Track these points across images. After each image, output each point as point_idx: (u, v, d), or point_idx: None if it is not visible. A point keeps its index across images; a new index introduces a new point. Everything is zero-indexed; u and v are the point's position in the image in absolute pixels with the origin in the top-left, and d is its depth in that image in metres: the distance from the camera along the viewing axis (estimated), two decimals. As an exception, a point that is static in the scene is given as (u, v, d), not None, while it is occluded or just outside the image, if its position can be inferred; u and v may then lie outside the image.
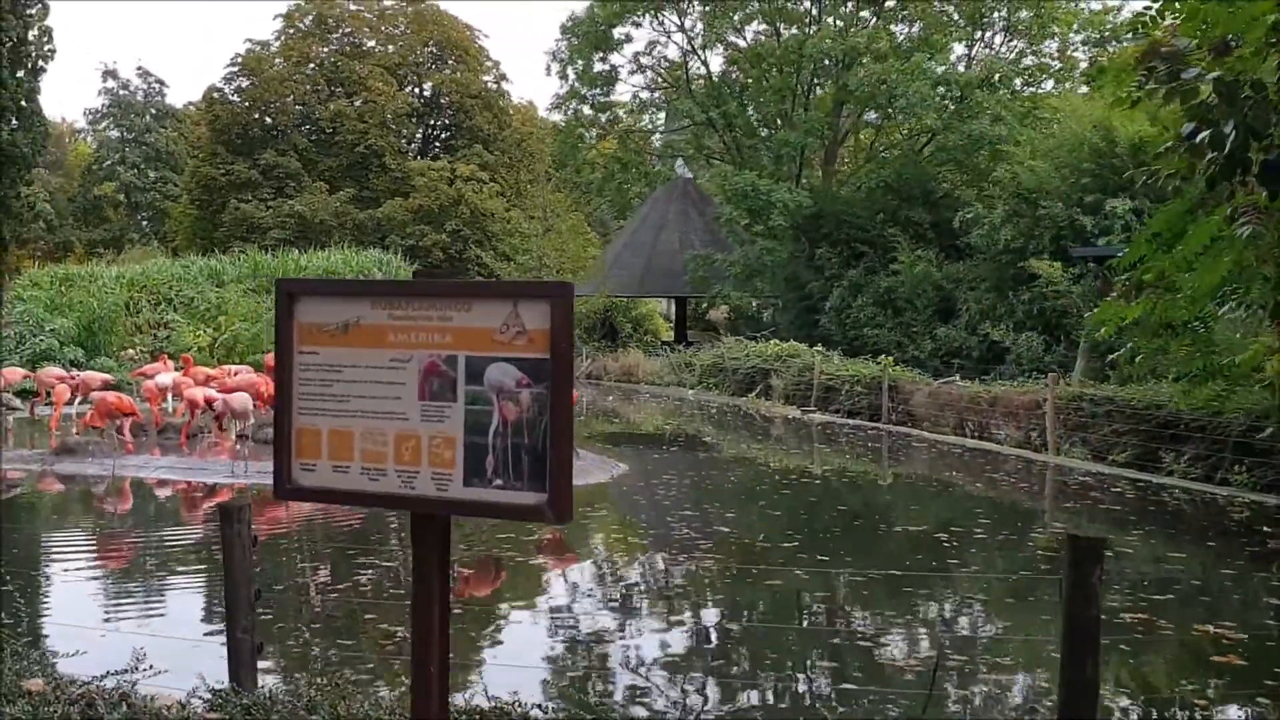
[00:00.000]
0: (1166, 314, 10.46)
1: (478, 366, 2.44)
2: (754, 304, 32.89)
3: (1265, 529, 10.94)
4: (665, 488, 13.09)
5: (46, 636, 6.65)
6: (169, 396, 17.95)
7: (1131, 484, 13.34)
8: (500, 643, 7.23)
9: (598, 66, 35.75)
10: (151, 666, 4.37)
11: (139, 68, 75.63)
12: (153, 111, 61.02)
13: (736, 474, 14.82)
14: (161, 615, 7.68)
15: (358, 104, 49.40)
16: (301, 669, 6.18)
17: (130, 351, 23.42)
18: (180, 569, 9.31)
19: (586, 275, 35.04)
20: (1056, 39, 33.60)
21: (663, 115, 39.31)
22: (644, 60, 36.24)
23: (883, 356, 22.25)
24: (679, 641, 7.20)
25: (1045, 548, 10.15)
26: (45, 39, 43.17)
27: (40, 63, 43.03)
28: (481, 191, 47.15)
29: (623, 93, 37.18)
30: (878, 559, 9.45)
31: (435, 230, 46.34)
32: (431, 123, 53.26)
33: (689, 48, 35.46)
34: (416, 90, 52.19)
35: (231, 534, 4.42)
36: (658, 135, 41.31)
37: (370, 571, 8.97)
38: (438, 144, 52.94)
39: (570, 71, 35.74)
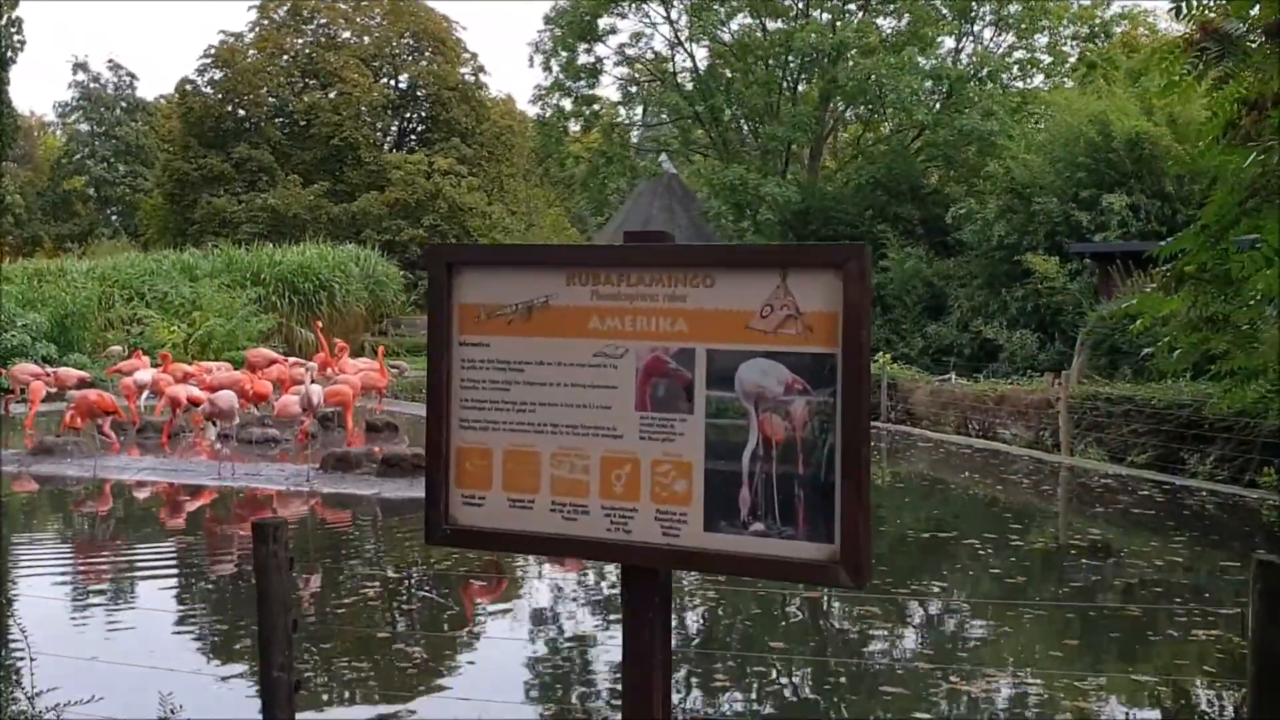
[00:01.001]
0: (1209, 308, 10.00)
1: (726, 364, 1.84)
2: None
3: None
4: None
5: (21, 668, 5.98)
6: (145, 394, 17.19)
7: (1157, 486, 12.87)
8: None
9: (582, 58, 35.08)
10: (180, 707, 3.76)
11: (110, 60, 74.53)
12: (123, 105, 59.90)
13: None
14: (165, 642, 7.02)
15: (332, 96, 48.47)
16: (328, 699, 5.57)
17: (116, 348, 22.54)
18: (177, 585, 8.65)
19: (568, 270, 34.30)
20: (1047, 33, 33.25)
21: (648, 108, 38.64)
22: (629, 52, 35.59)
23: (879, 354, 21.74)
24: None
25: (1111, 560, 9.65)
26: (14, 30, 42.03)
27: (9, 54, 41.90)
28: (460, 185, 46.37)
29: (607, 85, 36.50)
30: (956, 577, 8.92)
31: (412, 225, 45.50)
32: (408, 115, 52.39)
33: (675, 40, 34.87)
34: (392, 82, 51.31)
35: (266, 555, 3.80)
36: (637, 130, 40.70)
37: (376, 583, 8.36)
38: (414, 137, 52.09)
39: (554, 63, 35.04)
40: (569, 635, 7.23)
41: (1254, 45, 8.76)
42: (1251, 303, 9.80)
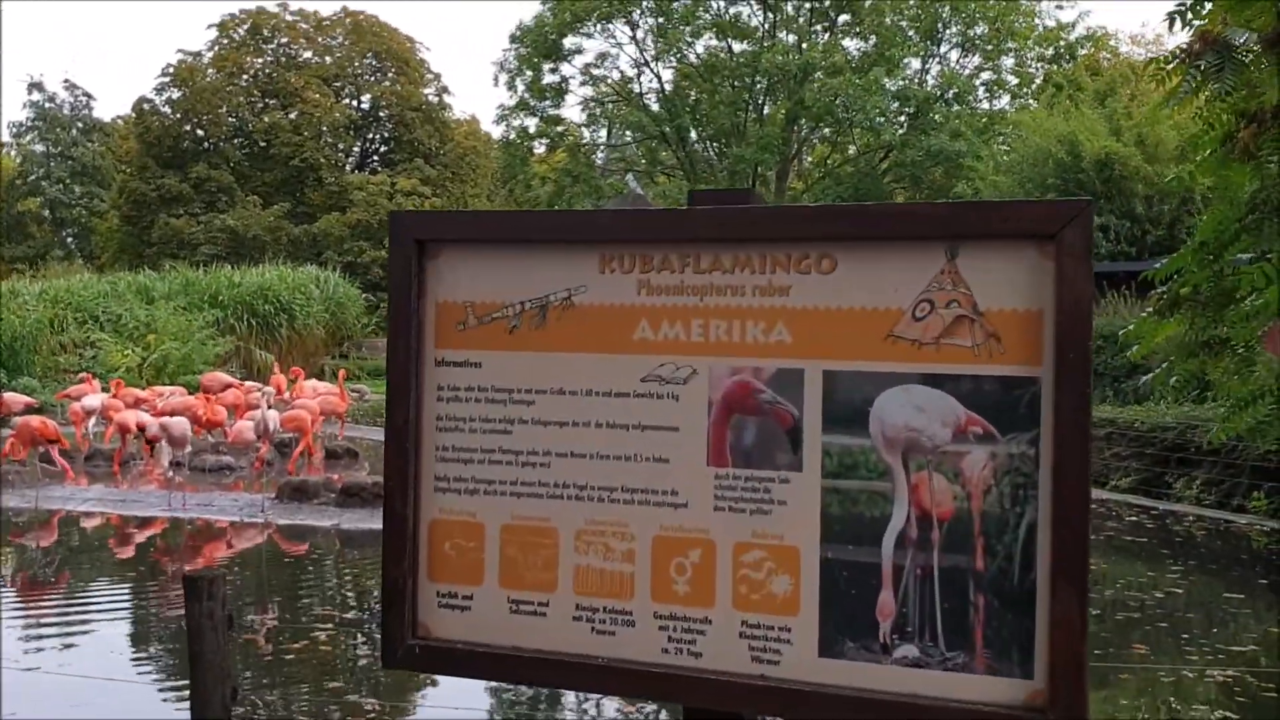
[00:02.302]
0: (1207, 331, 9.63)
1: (855, 394, 1.22)
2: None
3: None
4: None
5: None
6: (94, 420, 16.43)
7: (1145, 511, 12.46)
8: None
9: (547, 78, 34.64)
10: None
11: (65, 80, 73.38)
12: (79, 125, 58.82)
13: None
14: (91, 694, 6.35)
15: (293, 116, 47.79)
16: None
17: (83, 375, 21.57)
18: (121, 631, 7.96)
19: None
20: (1013, 55, 33.24)
21: (614, 127, 38.27)
22: (595, 72, 35.20)
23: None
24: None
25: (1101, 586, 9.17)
26: (-36, 46, 41.05)
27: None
28: (423, 207, 45.78)
29: (573, 105, 36.08)
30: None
31: (374, 246, 44.84)
32: (370, 136, 51.78)
33: (641, 60, 34.52)
34: (354, 102, 50.71)
35: (200, 614, 3.20)
36: (601, 150, 40.32)
37: (329, 625, 7.73)
38: (376, 157, 51.47)
39: (519, 82, 34.57)
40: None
41: (1252, 56, 8.39)
42: (1251, 321, 9.43)
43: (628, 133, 36.69)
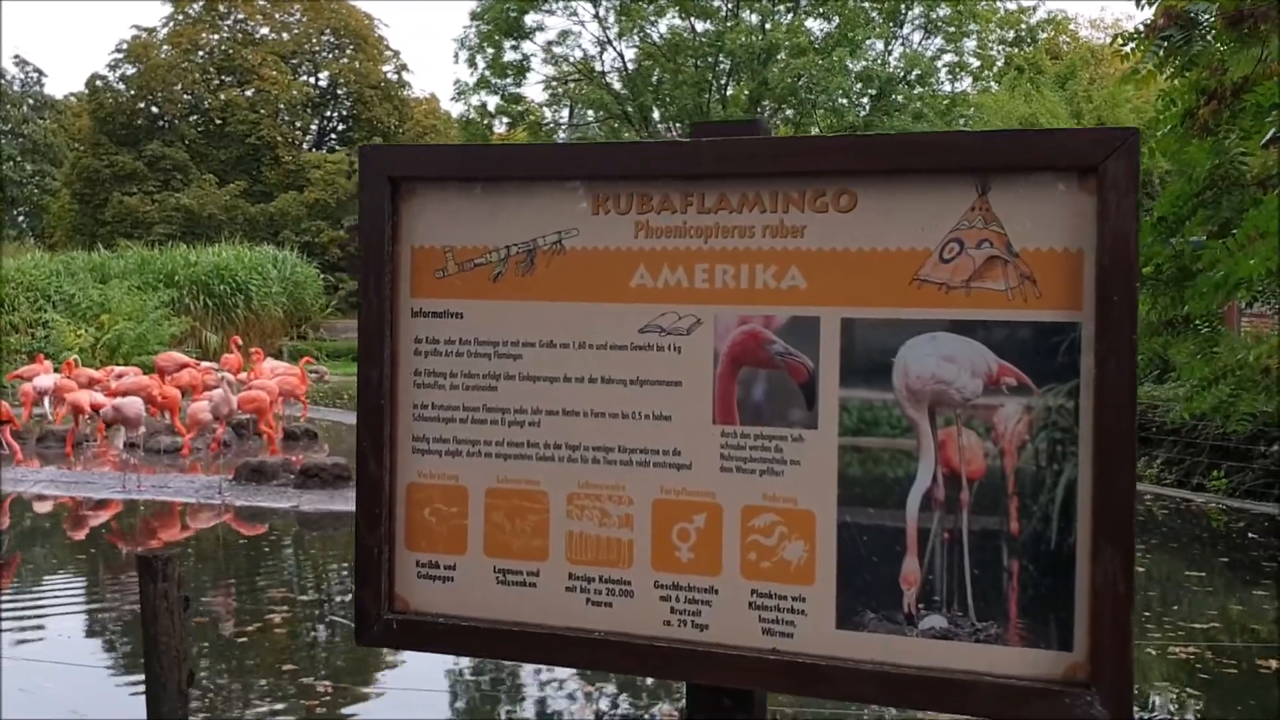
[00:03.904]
0: (1169, 311, 9.69)
1: (876, 343, 1.11)
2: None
3: (1267, 540, 10.20)
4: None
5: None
6: (47, 401, 16.12)
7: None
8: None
9: (509, 55, 34.28)
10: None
11: (15, 56, 71.92)
12: (30, 102, 57.76)
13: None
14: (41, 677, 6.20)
15: (249, 93, 47.13)
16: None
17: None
18: (75, 617, 7.78)
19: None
20: (974, 37, 33.33)
21: (576, 106, 38.01)
22: (557, 50, 34.88)
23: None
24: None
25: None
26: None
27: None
28: (383, 186, 45.40)
29: (535, 83, 35.80)
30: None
31: (333, 226, 44.41)
32: (328, 114, 51.18)
33: (604, 38, 34.26)
34: (312, 80, 50.07)
35: (155, 595, 3.08)
36: (562, 130, 40.04)
37: (285, 607, 7.59)
38: (334, 136, 50.91)
39: (480, 60, 34.21)
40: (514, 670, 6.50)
41: (1214, 32, 8.40)
42: (1210, 296, 9.49)
43: (589, 112, 36.42)
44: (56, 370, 17.83)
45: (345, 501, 10.92)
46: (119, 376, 16.81)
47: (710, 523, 1.24)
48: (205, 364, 19.10)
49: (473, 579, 1.36)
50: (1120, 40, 9.57)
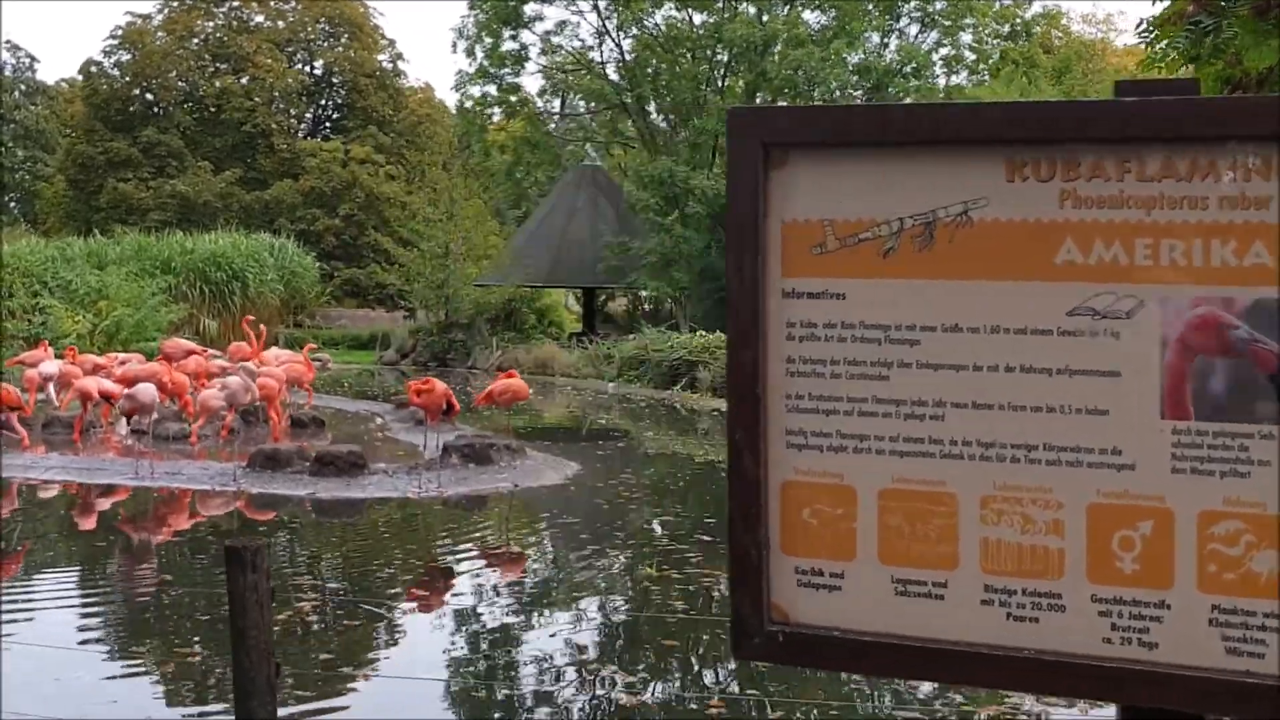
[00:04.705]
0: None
1: None
2: (671, 294, 31.91)
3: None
4: (629, 489, 11.97)
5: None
6: (51, 387, 16.10)
7: None
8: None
9: (507, 45, 34.26)
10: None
11: (8, 42, 71.35)
12: (22, 88, 57.43)
13: (692, 472, 13.75)
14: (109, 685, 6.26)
15: (244, 81, 46.98)
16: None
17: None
18: (85, 605, 7.83)
19: (492, 264, 33.64)
20: (970, 31, 33.43)
21: (575, 97, 37.98)
22: (555, 40, 34.90)
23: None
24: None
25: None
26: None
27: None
28: (377, 175, 45.27)
29: (533, 72, 35.76)
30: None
31: (328, 215, 44.35)
32: (323, 102, 51.04)
33: (602, 29, 34.26)
34: (307, 68, 49.93)
35: (244, 587, 3.13)
36: (555, 119, 39.99)
37: (312, 595, 7.65)
38: (329, 124, 50.76)
39: (478, 49, 34.20)
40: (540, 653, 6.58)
41: (1238, 21, 8.48)
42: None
43: (580, 102, 36.45)
44: (58, 356, 17.82)
45: (361, 489, 10.99)
46: (122, 363, 16.81)
47: (1159, 530, 1.14)
48: (209, 351, 19.10)
49: (865, 588, 1.24)
50: (1147, 26, 9.66)
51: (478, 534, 10.10)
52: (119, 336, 26.58)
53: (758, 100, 33.23)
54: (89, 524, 10.18)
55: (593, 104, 36.61)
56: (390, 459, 12.67)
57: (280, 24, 48.52)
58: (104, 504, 10.89)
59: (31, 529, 9.97)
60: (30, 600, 7.57)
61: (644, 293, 39.08)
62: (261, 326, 19.77)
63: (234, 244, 33.79)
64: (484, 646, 6.47)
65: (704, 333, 25.21)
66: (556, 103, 38.84)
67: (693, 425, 19.07)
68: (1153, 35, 9.22)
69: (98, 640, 6.63)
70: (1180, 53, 9.08)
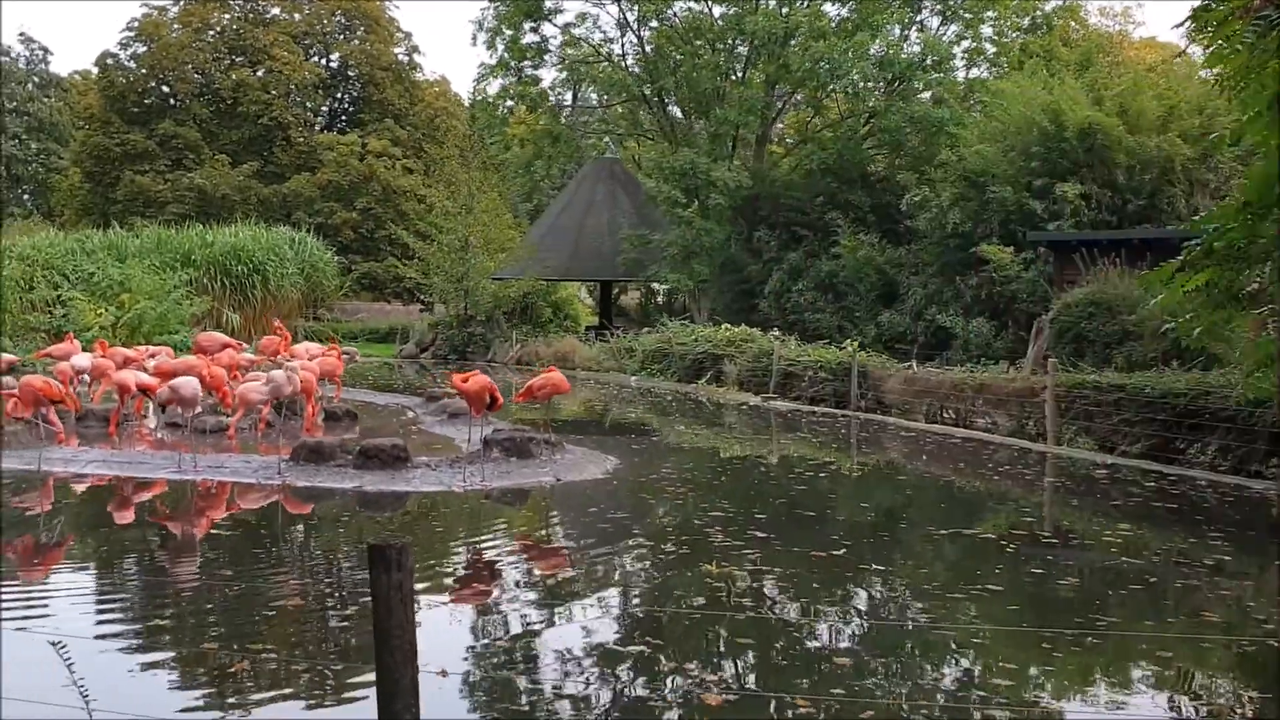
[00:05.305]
0: (1236, 284, 9.72)
1: None
2: (691, 286, 31.80)
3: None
4: (672, 483, 11.90)
5: None
6: (81, 380, 16.09)
7: (1162, 477, 12.49)
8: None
9: (527, 37, 34.18)
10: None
11: (21, 34, 71.47)
12: (35, 80, 57.50)
13: (733, 467, 13.67)
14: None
15: (261, 74, 47.03)
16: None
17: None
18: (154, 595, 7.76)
19: (511, 257, 33.62)
20: (991, 24, 33.23)
21: (588, 89, 37.87)
22: (575, 32, 34.76)
23: (849, 342, 21.40)
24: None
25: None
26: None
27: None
28: (394, 168, 45.24)
29: (553, 65, 35.63)
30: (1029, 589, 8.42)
31: (345, 208, 44.37)
32: (339, 95, 51.07)
33: (622, 21, 34.14)
34: (323, 61, 49.91)
35: (389, 587, 3.06)
36: (567, 110, 39.87)
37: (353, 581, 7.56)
38: (345, 118, 50.76)
39: (498, 42, 34.09)
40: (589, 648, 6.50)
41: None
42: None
43: (593, 95, 36.30)
44: (86, 349, 17.80)
45: (405, 482, 10.93)
46: (151, 356, 16.81)
47: None
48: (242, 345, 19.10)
49: None
50: (1200, 18, 9.54)
51: (528, 528, 10.04)
52: (141, 329, 26.61)
53: (776, 92, 33.10)
54: (139, 519, 10.05)
55: (607, 96, 36.49)
56: (428, 452, 12.62)
57: (296, 17, 48.53)
58: (143, 497, 10.75)
59: (86, 524, 9.93)
60: (127, 602, 7.52)
61: (657, 285, 39.05)
62: (279, 327, 19.78)
63: (254, 237, 33.83)
64: (562, 644, 6.41)
65: (728, 326, 25.16)
66: (579, 94, 38.72)
67: (721, 419, 19.01)
68: (1210, 32, 9.10)
69: (217, 639, 6.57)
70: (1246, 46, 8.99)
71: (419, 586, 7.51)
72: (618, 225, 35.06)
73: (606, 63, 34.60)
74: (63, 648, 4.21)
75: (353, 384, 20.79)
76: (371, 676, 3.11)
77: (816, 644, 6.50)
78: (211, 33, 47.21)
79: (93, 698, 3.83)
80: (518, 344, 30.96)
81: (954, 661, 6.23)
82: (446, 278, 32.79)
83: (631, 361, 26.93)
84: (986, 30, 33.74)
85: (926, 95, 31.45)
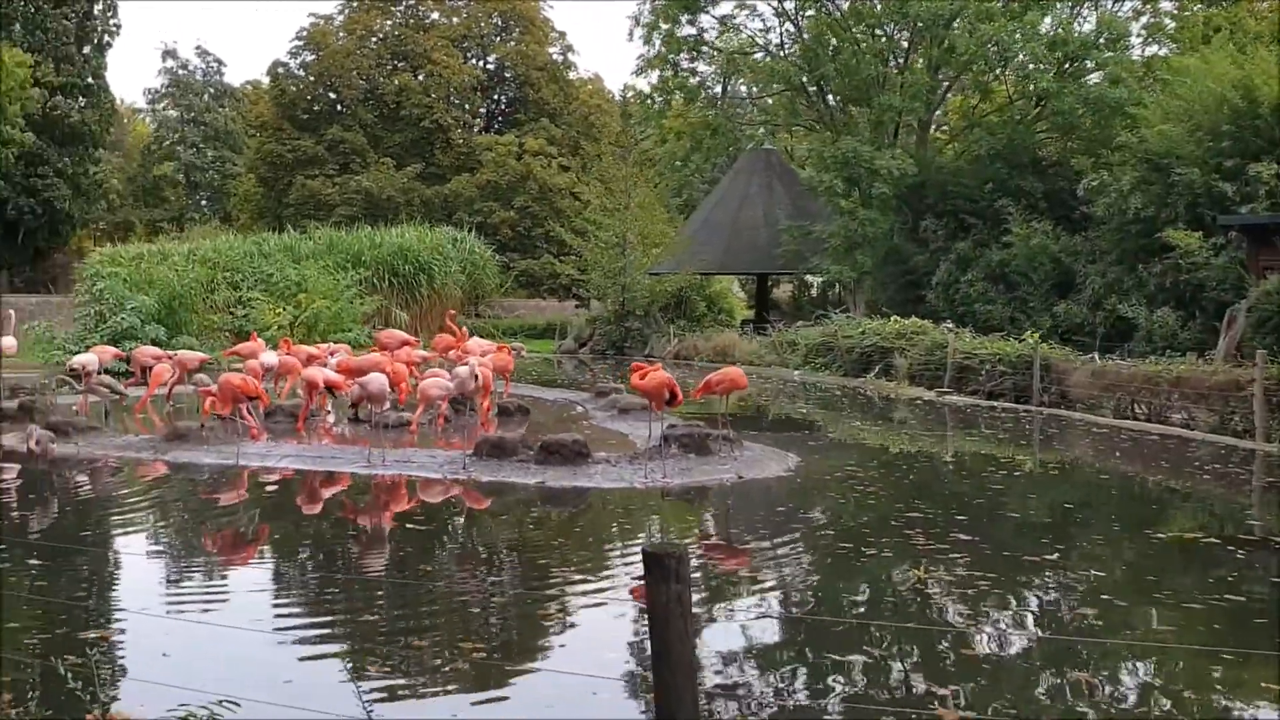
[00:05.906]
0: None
1: None
2: (852, 278, 31.13)
3: None
4: (859, 481, 11.52)
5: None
6: (267, 377, 16.57)
7: None
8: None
9: (684, 30, 34.00)
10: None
11: (198, 47, 75.05)
12: (211, 91, 60.21)
13: (919, 465, 13.18)
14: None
15: (422, 78, 48.11)
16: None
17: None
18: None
19: (666, 252, 33.50)
20: (1173, -1, 31.55)
21: (738, 81, 37.47)
22: (734, 22, 34.44)
23: (1028, 333, 20.55)
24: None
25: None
26: (110, 14, 42.12)
27: (106, 39, 42.01)
28: (550, 166, 45.72)
29: (709, 56, 35.36)
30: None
31: (504, 207, 45.03)
32: (496, 96, 51.88)
33: (780, 9, 33.63)
34: (481, 63, 50.75)
35: (668, 598, 2.85)
36: (717, 104, 39.50)
37: (559, 579, 7.45)
38: (501, 118, 51.53)
39: (655, 36, 34.00)
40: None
41: None
42: None
43: (743, 87, 35.81)
44: (270, 348, 18.38)
45: (587, 478, 10.85)
46: (332, 353, 17.23)
47: None
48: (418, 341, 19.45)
49: None
50: None
51: (718, 527, 9.83)
52: (317, 328, 27.42)
53: (940, 77, 32.09)
54: (341, 511, 10.18)
55: (759, 88, 36.02)
56: (604, 448, 12.51)
57: (455, 20, 49.48)
58: (331, 490, 10.88)
59: (288, 515, 10.14)
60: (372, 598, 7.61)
61: (810, 278, 38.34)
62: (451, 323, 20.05)
63: (419, 237, 34.56)
64: (781, 651, 6.16)
65: (897, 318, 24.49)
66: (737, 86, 38.39)
67: (896, 415, 18.45)
68: None
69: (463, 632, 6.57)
70: None
71: (619, 585, 7.37)
72: (774, 217, 34.59)
73: (764, 53, 34.15)
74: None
75: (518, 379, 20.94)
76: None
77: (1044, 659, 6.08)
78: (375, 39, 48.52)
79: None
80: (675, 339, 30.82)
81: (1213, 685, 5.74)
82: (603, 274, 32.90)
83: (794, 355, 26.47)
84: (1165, 4, 32.08)
85: (1098, 75, 29.99)
